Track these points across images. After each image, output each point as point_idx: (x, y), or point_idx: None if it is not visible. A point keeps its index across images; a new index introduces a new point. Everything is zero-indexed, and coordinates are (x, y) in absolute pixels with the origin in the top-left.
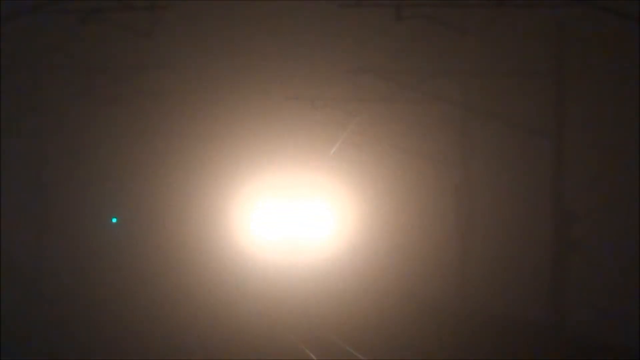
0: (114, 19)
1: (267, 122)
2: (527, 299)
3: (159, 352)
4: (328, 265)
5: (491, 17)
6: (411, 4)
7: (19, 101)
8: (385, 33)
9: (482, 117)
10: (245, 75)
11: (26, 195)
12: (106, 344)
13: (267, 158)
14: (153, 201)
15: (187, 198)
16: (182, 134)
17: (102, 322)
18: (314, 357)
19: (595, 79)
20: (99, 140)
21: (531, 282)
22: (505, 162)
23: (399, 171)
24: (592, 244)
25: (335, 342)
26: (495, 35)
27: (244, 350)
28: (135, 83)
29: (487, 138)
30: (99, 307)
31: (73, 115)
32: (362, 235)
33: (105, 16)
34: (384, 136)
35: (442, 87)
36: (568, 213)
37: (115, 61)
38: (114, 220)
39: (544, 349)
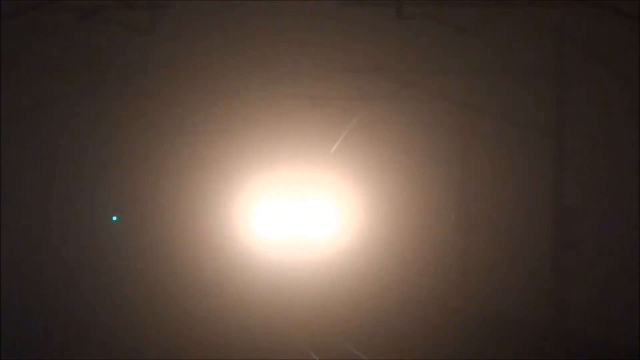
0: (114, 18)
1: (268, 120)
2: (527, 298)
3: (161, 353)
4: (331, 263)
5: (491, 16)
6: (411, 2)
7: (18, 100)
8: (386, 31)
9: (483, 116)
10: (245, 73)
11: (26, 195)
12: (109, 345)
13: (269, 156)
14: (154, 200)
15: (189, 197)
16: (183, 132)
17: (104, 324)
18: (317, 359)
19: (596, 77)
20: (101, 139)
21: (531, 281)
22: (506, 160)
23: (399, 169)
24: (592, 243)
25: (340, 343)
26: (495, 34)
27: (248, 350)
28: (136, 82)
29: (487, 136)
30: (101, 308)
31: (73, 114)
32: (362, 234)
33: (105, 15)
34: (384, 135)
35: (442, 85)
36: (568, 212)
37: (115, 60)
38: (114, 218)
39: (544, 348)
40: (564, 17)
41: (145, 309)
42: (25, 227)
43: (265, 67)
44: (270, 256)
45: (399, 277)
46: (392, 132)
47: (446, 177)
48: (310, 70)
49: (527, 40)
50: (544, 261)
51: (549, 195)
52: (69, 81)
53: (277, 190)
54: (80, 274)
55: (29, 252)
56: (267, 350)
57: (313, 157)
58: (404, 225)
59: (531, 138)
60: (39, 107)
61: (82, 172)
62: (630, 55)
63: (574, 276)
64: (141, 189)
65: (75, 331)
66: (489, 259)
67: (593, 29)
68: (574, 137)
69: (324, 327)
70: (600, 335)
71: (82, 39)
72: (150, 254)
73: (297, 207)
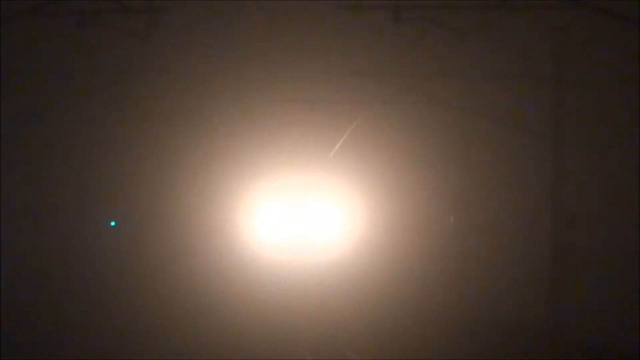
0: (112, 22)
1: (267, 124)
2: (525, 301)
3: (161, 355)
4: (332, 266)
5: (489, 20)
6: (409, 5)
7: (16, 103)
8: (383, 35)
9: (481, 119)
10: (243, 77)
11: (24, 198)
12: (111, 348)
13: (268, 160)
14: (154, 204)
15: (189, 200)
16: (181, 136)
17: (107, 326)
18: None
19: (595, 80)
20: (100, 143)
21: (530, 284)
22: (504, 164)
23: (397, 174)
24: (590, 246)
25: (342, 349)
26: (493, 38)
27: (250, 353)
28: (133, 85)
29: (485, 140)
30: (103, 310)
31: (72, 117)
32: (359, 240)
33: (103, 19)
34: (382, 138)
35: (440, 89)
36: (566, 216)
37: (112, 64)
38: (113, 224)
39: (542, 352)
40: (562, 20)
41: (148, 312)
42: (24, 229)
43: (264, 70)
44: (271, 259)
45: (399, 280)
46: (391, 136)
47: (444, 181)
48: (309, 75)
49: (525, 43)
50: (542, 264)
51: (547, 199)
52: (66, 84)
53: (277, 194)
54: (82, 276)
55: (29, 254)
56: (270, 352)
57: (313, 159)
58: (401, 229)
59: (529, 141)
60: (36, 110)
61: (82, 175)
62: (629, 58)
63: (572, 280)
64: (142, 191)
65: (78, 333)
66: (487, 262)
67: (591, 32)
68: (572, 140)
69: (327, 331)
70: (598, 339)
71: (79, 43)
72: (152, 257)
73: (298, 210)
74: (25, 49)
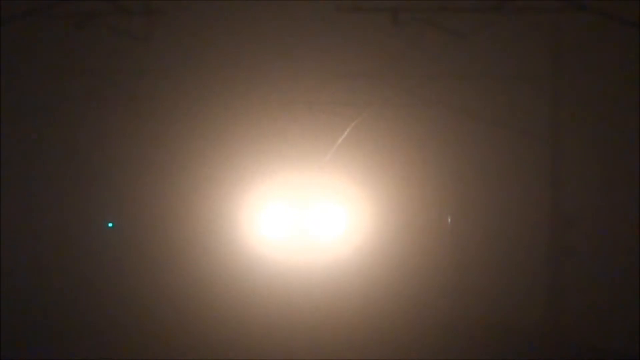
0: (111, 23)
1: (266, 124)
2: (524, 303)
3: (161, 354)
4: (333, 267)
5: (487, 22)
6: (408, 7)
7: (16, 104)
8: (382, 37)
9: (479, 121)
10: (243, 78)
11: (23, 199)
12: (113, 349)
13: (267, 161)
14: (155, 206)
15: (189, 202)
16: (181, 138)
17: (109, 326)
18: None
19: (592, 82)
20: (104, 145)
21: (528, 286)
22: (501, 166)
23: (394, 175)
24: (589, 248)
25: (343, 347)
26: (491, 40)
27: (252, 351)
28: (133, 87)
29: (482, 142)
30: (105, 311)
31: (72, 118)
32: (360, 239)
33: (101, 21)
34: (379, 139)
35: (438, 90)
36: (564, 218)
37: (111, 65)
38: (111, 225)
39: (541, 353)
40: (560, 22)
41: (150, 312)
42: (24, 231)
43: (263, 72)
44: (274, 259)
45: (396, 282)
46: (388, 137)
47: (442, 182)
48: (307, 76)
49: (522, 46)
50: (540, 266)
51: (546, 201)
52: (65, 85)
53: (278, 195)
54: (84, 278)
55: (29, 256)
56: (271, 354)
57: (313, 160)
58: (397, 229)
59: (527, 143)
60: (36, 111)
61: (83, 177)
62: (627, 60)
63: (571, 281)
64: (141, 194)
65: (80, 333)
66: (485, 263)
67: (588, 35)
68: (570, 142)
69: (329, 329)
70: (597, 340)
71: (78, 44)
72: (154, 257)
73: (299, 211)
74: (25, 50)
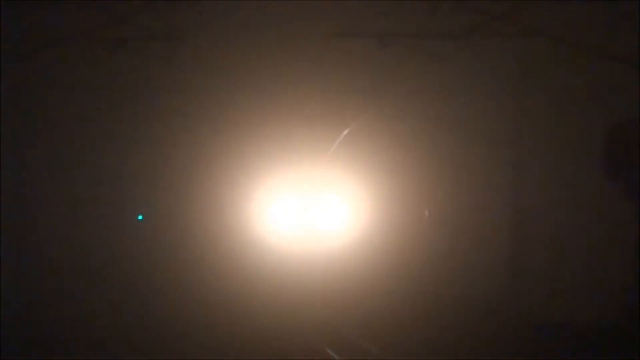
0: (139, 48)
1: (274, 131)
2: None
3: (173, 351)
4: (341, 257)
5: (461, 47)
6: (393, 34)
7: (43, 119)
8: (369, 58)
9: (451, 130)
10: (251, 92)
11: (47, 196)
12: (122, 343)
13: (274, 159)
14: (170, 201)
15: (202, 198)
16: (200, 144)
17: (116, 321)
18: (337, 357)
19: (553, 111)
20: (134, 151)
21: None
22: (470, 165)
23: (378, 179)
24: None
25: (355, 340)
26: (464, 63)
27: (262, 344)
28: (159, 102)
29: (454, 149)
30: (115, 303)
31: (105, 129)
32: (363, 230)
33: (132, 45)
34: (366, 148)
35: (417, 104)
36: (524, 215)
37: (138, 86)
38: (140, 218)
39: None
40: (523, 50)
41: (159, 304)
42: (48, 228)
43: (270, 89)
44: (281, 250)
45: (394, 275)
46: (375, 145)
47: (417, 188)
48: (309, 92)
49: (490, 70)
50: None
51: (508, 203)
52: (100, 101)
53: (284, 189)
54: (96, 271)
55: (40, 253)
56: (284, 345)
57: (315, 157)
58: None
59: (495, 149)
60: (61, 124)
61: (108, 174)
62: (586, 85)
63: (529, 265)
64: (156, 190)
65: (83, 333)
66: (454, 252)
67: (552, 62)
68: (533, 148)
69: (338, 323)
70: (557, 315)
71: (108, 69)
72: (166, 250)
73: (305, 202)
74: (58, 75)
